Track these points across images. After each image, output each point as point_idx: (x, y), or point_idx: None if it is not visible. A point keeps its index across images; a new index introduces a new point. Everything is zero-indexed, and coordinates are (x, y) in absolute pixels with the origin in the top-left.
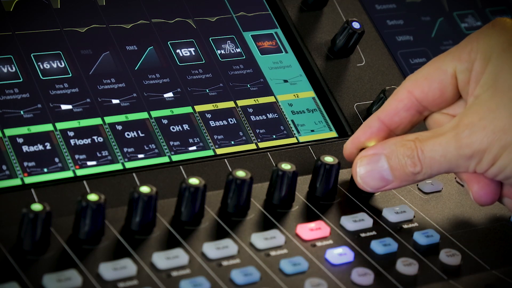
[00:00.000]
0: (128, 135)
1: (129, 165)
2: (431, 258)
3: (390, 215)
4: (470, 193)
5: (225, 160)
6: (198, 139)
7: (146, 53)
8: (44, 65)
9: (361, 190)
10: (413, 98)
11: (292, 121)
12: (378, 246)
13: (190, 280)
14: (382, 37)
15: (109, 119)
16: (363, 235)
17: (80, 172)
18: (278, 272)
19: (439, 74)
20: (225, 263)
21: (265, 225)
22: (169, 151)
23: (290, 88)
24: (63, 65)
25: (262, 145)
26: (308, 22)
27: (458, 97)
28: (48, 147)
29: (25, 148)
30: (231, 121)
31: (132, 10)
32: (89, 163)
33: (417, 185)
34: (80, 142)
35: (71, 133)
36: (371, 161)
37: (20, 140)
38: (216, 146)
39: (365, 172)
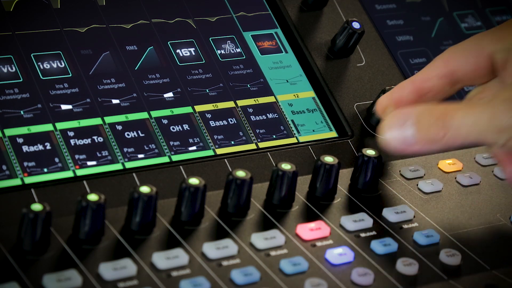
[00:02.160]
0: (128, 135)
1: (129, 165)
2: (431, 258)
3: (390, 215)
4: (504, 173)
5: (225, 160)
6: (198, 139)
7: (146, 53)
8: (44, 65)
9: (361, 190)
10: (449, 67)
11: (292, 121)
12: (378, 246)
13: (190, 280)
14: (382, 37)
15: (109, 119)
16: (363, 235)
17: (80, 172)
18: (278, 272)
19: (477, 50)
20: (225, 263)
21: (265, 225)
22: (169, 151)
23: (290, 88)
24: (63, 65)
25: (262, 145)
26: (308, 22)
27: (493, 76)
28: (48, 147)
29: (25, 148)
30: (231, 121)
31: (132, 10)
32: (89, 163)
33: (417, 185)
34: (80, 142)
35: (71, 133)
36: (399, 120)
37: (20, 140)
38: (216, 146)
39: (390, 134)
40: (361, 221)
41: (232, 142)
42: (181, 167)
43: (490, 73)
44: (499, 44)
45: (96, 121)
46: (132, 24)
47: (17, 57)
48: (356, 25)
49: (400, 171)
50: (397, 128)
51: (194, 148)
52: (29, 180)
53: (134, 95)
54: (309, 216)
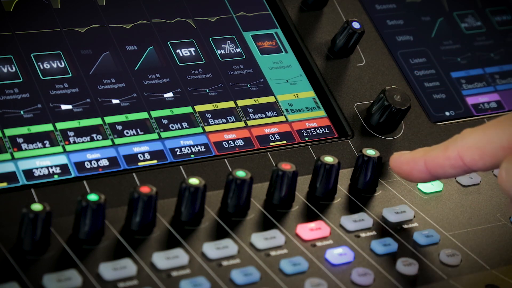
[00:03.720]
0: (127, 134)
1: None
2: (431, 258)
3: (390, 215)
4: None
5: (225, 160)
6: None
7: (146, 53)
8: (44, 65)
9: (361, 190)
10: (462, 162)
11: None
12: (378, 246)
13: (190, 280)
14: (382, 37)
15: (109, 119)
16: (363, 235)
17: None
18: (278, 272)
19: (492, 149)
20: (225, 263)
21: (265, 225)
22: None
23: (290, 88)
24: (63, 65)
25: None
26: (308, 22)
27: None
28: (48, 146)
29: (24, 148)
30: (231, 121)
31: (132, 10)
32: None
33: (417, 185)
34: (80, 142)
35: (71, 133)
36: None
37: (20, 140)
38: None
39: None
40: (361, 221)
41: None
42: (181, 167)
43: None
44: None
45: (96, 121)
46: (132, 24)
47: (17, 57)
48: (356, 25)
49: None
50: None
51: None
52: (18, 154)
53: (134, 95)
54: (309, 216)
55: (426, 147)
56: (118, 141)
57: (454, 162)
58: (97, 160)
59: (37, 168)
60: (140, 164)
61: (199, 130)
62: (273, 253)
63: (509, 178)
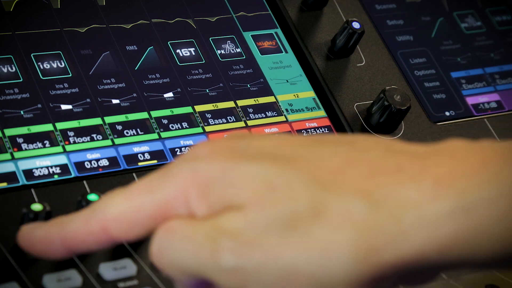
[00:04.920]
0: (128, 134)
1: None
2: None
3: None
4: None
5: None
6: None
7: (146, 53)
8: (44, 65)
9: None
10: (108, 235)
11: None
12: None
13: None
14: (382, 37)
15: (109, 119)
16: None
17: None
18: None
19: (140, 217)
20: None
21: None
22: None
23: (290, 88)
24: (63, 65)
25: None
26: (308, 22)
27: None
28: (48, 146)
29: (24, 148)
30: (231, 121)
31: (132, 10)
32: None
33: None
34: (80, 142)
35: (71, 133)
36: None
37: (20, 140)
38: None
39: None
40: None
41: None
42: None
43: None
44: None
45: (96, 121)
46: (132, 24)
47: (17, 57)
48: (356, 25)
49: None
50: None
51: None
52: (19, 155)
53: (134, 95)
54: None
55: (62, 217)
56: (118, 141)
57: (98, 237)
58: (97, 160)
59: (37, 168)
60: (140, 164)
61: (199, 130)
62: None
63: (163, 254)
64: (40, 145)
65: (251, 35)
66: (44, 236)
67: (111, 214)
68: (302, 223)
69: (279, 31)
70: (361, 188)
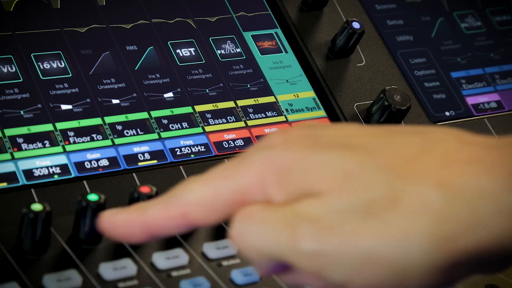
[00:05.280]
0: (128, 134)
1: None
2: None
3: None
4: None
5: (226, 160)
6: None
7: (146, 53)
8: (44, 65)
9: None
10: (187, 220)
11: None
12: None
13: (190, 280)
14: (382, 37)
15: (109, 119)
16: None
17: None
18: None
19: (219, 203)
20: (225, 263)
21: None
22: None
23: (290, 88)
24: (63, 65)
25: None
26: (308, 22)
27: None
28: (48, 146)
29: (24, 148)
30: (231, 120)
31: (132, 10)
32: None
33: None
34: (80, 142)
35: (71, 133)
36: None
37: (20, 140)
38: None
39: None
40: None
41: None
42: (181, 167)
43: None
44: None
45: (96, 121)
46: (132, 24)
47: (17, 57)
48: (356, 25)
49: None
50: None
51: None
52: (18, 155)
53: (134, 95)
54: None
55: (142, 203)
56: (118, 141)
57: (178, 221)
58: (97, 160)
59: (37, 168)
60: (140, 164)
61: (199, 130)
62: None
63: (243, 239)
64: (40, 145)
65: (251, 35)
66: (125, 221)
67: (190, 200)
68: (379, 211)
69: (279, 31)
70: (436, 178)
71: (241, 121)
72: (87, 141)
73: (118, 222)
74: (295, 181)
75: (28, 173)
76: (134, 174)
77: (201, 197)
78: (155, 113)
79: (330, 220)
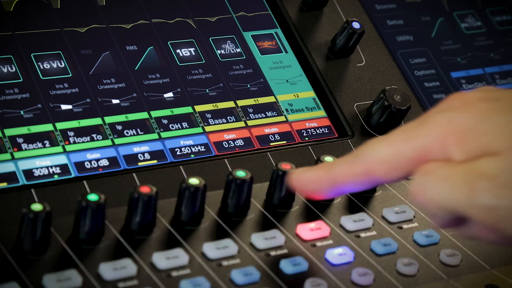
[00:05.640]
0: (128, 134)
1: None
2: (431, 258)
3: (390, 215)
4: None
5: (225, 160)
6: None
7: (146, 53)
8: (44, 65)
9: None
10: (372, 176)
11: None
12: (378, 246)
13: (190, 280)
14: (382, 37)
15: (109, 119)
16: (363, 235)
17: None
18: (278, 272)
19: (402, 161)
20: (225, 263)
21: (265, 225)
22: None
23: (290, 88)
24: (63, 65)
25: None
26: (308, 22)
27: None
28: (48, 146)
29: (24, 148)
30: (231, 120)
31: (132, 10)
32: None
33: None
34: (80, 142)
35: (71, 133)
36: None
37: (20, 140)
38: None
39: None
40: (361, 221)
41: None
42: (181, 167)
43: None
44: None
45: (96, 121)
46: (132, 24)
47: (17, 57)
48: (356, 25)
49: None
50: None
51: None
52: (19, 155)
53: (134, 95)
54: (309, 216)
55: (327, 162)
56: (118, 141)
57: (363, 178)
58: (97, 160)
59: (37, 168)
60: (140, 164)
61: (199, 130)
62: (273, 253)
63: (424, 193)
64: (40, 145)
65: (251, 35)
66: (313, 178)
67: (374, 158)
68: None
69: (279, 31)
70: None
71: (241, 121)
72: (87, 141)
73: (306, 179)
74: (474, 141)
75: (28, 173)
76: (134, 174)
77: (384, 156)
78: (155, 113)
79: (507, 177)
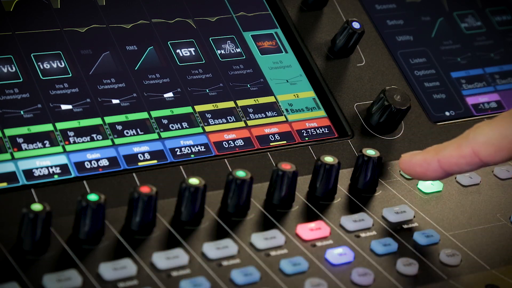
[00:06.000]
0: (128, 134)
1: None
2: (431, 258)
3: (390, 215)
4: None
5: (225, 160)
6: None
7: (146, 53)
8: (44, 65)
9: (361, 190)
10: (478, 158)
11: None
12: (378, 246)
13: (190, 280)
14: (382, 37)
15: (109, 119)
16: (363, 235)
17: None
18: (278, 272)
19: (507, 143)
20: (225, 263)
21: (265, 225)
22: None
23: (290, 88)
24: (63, 65)
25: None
26: (308, 22)
27: None
28: (48, 146)
29: (24, 148)
30: (231, 120)
31: (132, 10)
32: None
33: (417, 184)
34: (80, 142)
35: (71, 133)
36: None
37: (20, 140)
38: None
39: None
40: (361, 221)
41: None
42: (181, 167)
43: None
44: None
45: (96, 121)
46: (132, 24)
47: (17, 57)
48: (356, 25)
49: (400, 171)
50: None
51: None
52: (19, 155)
53: (134, 95)
54: (309, 216)
55: (435, 145)
56: (118, 141)
57: (469, 159)
58: (97, 160)
59: (37, 168)
60: (140, 164)
61: (199, 130)
62: (273, 253)
63: None
64: (40, 145)
65: (251, 35)
66: (423, 160)
67: (480, 140)
68: None
69: (279, 31)
70: None
71: (241, 121)
72: (87, 141)
73: (416, 161)
74: None
75: (28, 173)
76: (134, 174)
77: (490, 138)
78: (155, 113)
79: None
